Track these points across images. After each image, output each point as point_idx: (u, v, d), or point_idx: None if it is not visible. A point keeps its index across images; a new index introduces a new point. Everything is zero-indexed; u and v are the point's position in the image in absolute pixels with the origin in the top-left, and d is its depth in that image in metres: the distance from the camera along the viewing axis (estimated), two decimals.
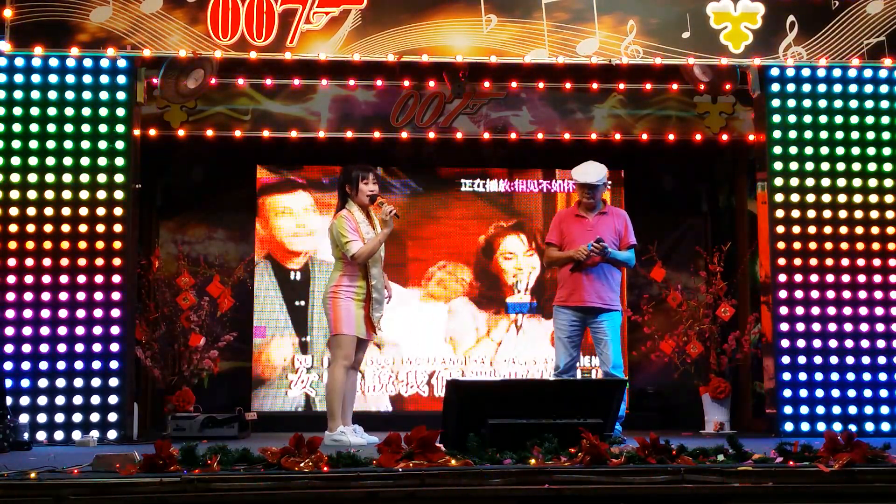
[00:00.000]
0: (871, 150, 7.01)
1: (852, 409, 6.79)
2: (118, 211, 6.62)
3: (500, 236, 8.49)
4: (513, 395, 4.95)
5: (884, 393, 6.81)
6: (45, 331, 6.47)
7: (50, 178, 6.59)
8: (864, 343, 6.86)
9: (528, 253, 8.44)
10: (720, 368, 7.71)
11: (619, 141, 8.01)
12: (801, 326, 6.87)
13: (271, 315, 8.29)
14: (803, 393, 6.82)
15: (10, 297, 6.48)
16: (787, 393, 6.83)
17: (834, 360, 6.83)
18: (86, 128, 6.67)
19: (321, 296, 6.25)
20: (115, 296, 6.56)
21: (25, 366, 6.43)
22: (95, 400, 6.46)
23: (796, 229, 6.95)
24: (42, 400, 6.42)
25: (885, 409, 6.79)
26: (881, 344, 6.86)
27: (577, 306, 6.25)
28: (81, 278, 6.54)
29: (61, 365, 6.45)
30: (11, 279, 6.49)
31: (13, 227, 6.54)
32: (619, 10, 6.78)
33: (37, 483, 3.86)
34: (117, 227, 6.61)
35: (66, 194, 6.60)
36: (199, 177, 8.52)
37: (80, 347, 6.49)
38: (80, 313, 6.51)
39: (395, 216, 6.10)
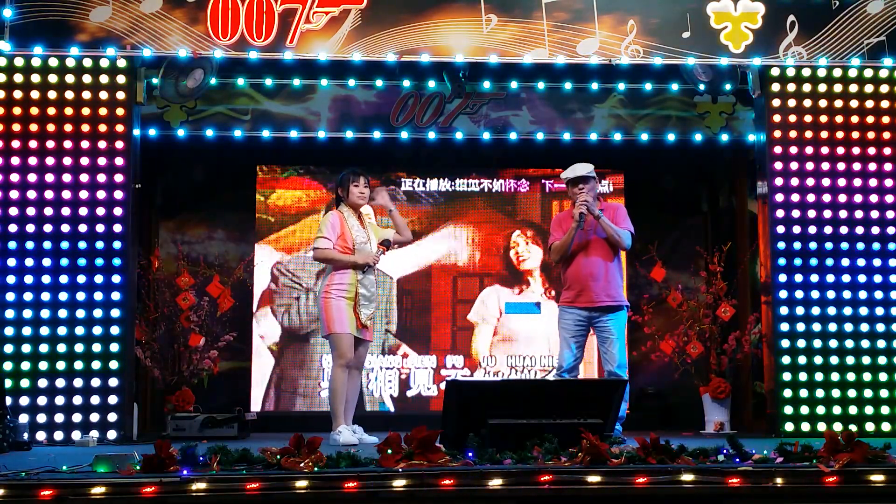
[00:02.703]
0: (871, 150, 7.02)
1: (852, 409, 6.79)
2: (118, 211, 6.62)
3: (500, 235, 8.51)
4: (513, 395, 4.95)
5: (884, 393, 6.81)
6: (45, 331, 6.47)
7: (50, 178, 6.60)
8: (864, 343, 6.86)
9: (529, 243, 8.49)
10: (720, 368, 7.71)
11: (620, 141, 8.01)
12: (801, 326, 6.87)
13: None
14: (803, 393, 6.82)
15: (10, 297, 6.48)
16: (787, 393, 6.83)
17: (834, 360, 6.84)
18: (85, 128, 6.67)
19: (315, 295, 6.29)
20: (115, 296, 6.56)
21: (25, 366, 6.43)
22: (95, 400, 6.47)
23: (796, 229, 6.95)
24: (42, 400, 6.42)
25: (885, 409, 6.79)
26: (881, 344, 6.86)
27: (586, 306, 6.24)
28: (81, 278, 6.54)
29: (61, 365, 6.45)
30: (11, 279, 6.49)
31: (13, 227, 6.55)
32: (619, 10, 6.78)
33: (37, 483, 3.86)
34: (117, 227, 6.61)
35: (66, 194, 6.60)
36: (199, 177, 8.53)
37: (80, 347, 6.49)
38: (80, 313, 6.51)
39: (373, 262, 6.17)
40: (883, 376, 6.82)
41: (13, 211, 6.56)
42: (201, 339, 7.62)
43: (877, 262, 6.93)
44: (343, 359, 6.05)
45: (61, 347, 6.47)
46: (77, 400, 6.45)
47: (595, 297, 6.22)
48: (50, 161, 6.61)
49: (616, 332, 6.22)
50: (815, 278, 6.91)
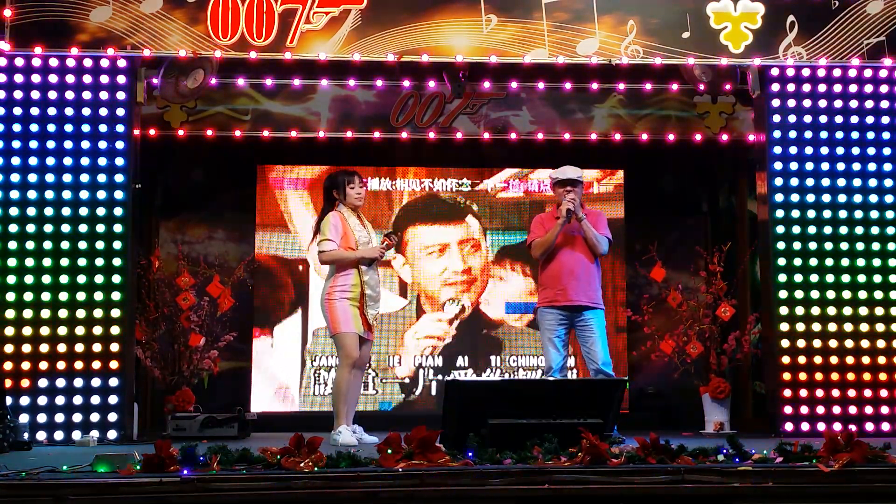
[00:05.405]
0: (871, 150, 7.02)
1: (852, 409, 6.79)
2: (118, 211, 6.63)
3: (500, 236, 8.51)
4: (513, 395, 4.95)
5: (884, 393, 6.81)
6: (45, 331, 6.47)
7: (50, 178, 6.60)
8: (864, 343, 6.86)
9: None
10: (720, 368, 7.70)
11: (619, 141, 8.02)
12: (801, 326, 6.87)
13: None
14: (803, 393, 6.82)
15: (10, 297, 6.48)
16: (787, 393, 6.83)
17: (834, 360, 6.83)
18: (86, 128, 6.67)
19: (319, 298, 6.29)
20: (115, 296, 6.56)
21: (25, 366, 6.43)
22: (95, 400, 6.47)
23: (796, 229, 6.95)
24: (42, 400, 6.42)
25: (885, 409, 6.79)
26: (881, 344, 6.85)
27: (566, 306, 6.26)
28: (81, 279, 6.54)
29: (61, 365, 6.45)
30: (11, 279, 6.49)
31: (13, 227, 6.55)
32: (619, 10, 6.78)
33: (37, 483, 3.86)
34: (117, 227, 6.61)
35: (66, 194, 6.60)
36: (199, 177, 8.53)
37: (80, 347, 6.49)
38: (80, 313, 6.51)
39: (379, 256, 6.18)
40: (883, 376, 6.82)
41: (14, 211, 6.56)
42: (201, 339, 7.63)
43: (877, 262, 6.93)
44: (350, 358, 6.07)
45: (61, 347, 6.47)
46: (77, 400, 6.45)
47: (574, 297, 6.24)
48: (50, 161, 6.61)
49: (598, 329, 6.25)
50: (815, 278, 6.91)
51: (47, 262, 6.53)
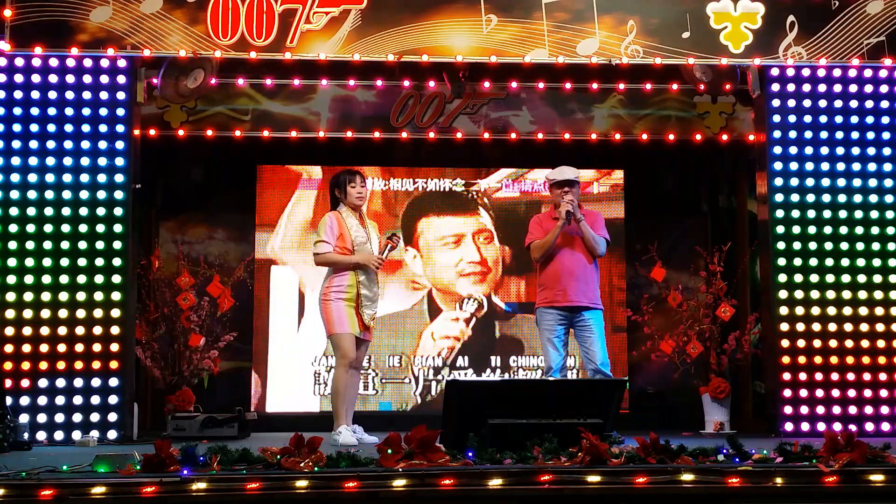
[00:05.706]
0: (871, 150, 7.02)
1: (852, 409, 6.79)
2: (118, 211, 6.63)
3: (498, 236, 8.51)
4: (513, 395, 4.95)
5: (884, 393, 6.81)
6: (45, 331, 6.47)
7: (50, 178, 6.60)
8: (864, 343, 6.85)
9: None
10: (720, 368, 7.71)
11: (619, 141, 8.02)
12: (801, 326, 6.87)
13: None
14: (803, 393, 6.82)
15: (10, 297, 6.48)
16: (787, 393, 6.83)
17: (834, 360, 6.83)
18: (86, 128, 6.67)
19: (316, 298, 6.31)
20: (115, 296, 6.56)
21: (25, 366, 6.43)
22: (95, 400, 6.47)
23: (796, 229, 6.95)
24: (42, 400, 6.42)
25: (885, 409, 6.79)
26: (881, 344, 6.85)
27: (565, 306, 6.26)
28: (81, 278, 6.54)
29: (61, 365, 6.45)
30: (11, 279, 6.49)
31: (13, 227, 6.55)
32: (619, 10, 6.78)
33: (37, 483, 3.86)
34: (117, 227, 6.61)
35: (66, 194, 6.60)
36: (199, 177, 8.52)
37: (79, 347, 6.49)
38: (80, 313, 6.51)
39: (377, 264, 6.16)
40: (883, 376, 6.82)
41: (14, 211, 6.55)
42: (201, 339, 7.64)
43: (877, 262, 6.93)
44: (345, 358, 6.08)
45: (61, 347, 6.47)
46: (77, 400, 6.45)
47: (574, 297, 6.25)
48: (50, 161, 6.61)
49: (597, 329, 6.26)
50: (815, 278, 6.91)
51: (47, 262, 6.53)
